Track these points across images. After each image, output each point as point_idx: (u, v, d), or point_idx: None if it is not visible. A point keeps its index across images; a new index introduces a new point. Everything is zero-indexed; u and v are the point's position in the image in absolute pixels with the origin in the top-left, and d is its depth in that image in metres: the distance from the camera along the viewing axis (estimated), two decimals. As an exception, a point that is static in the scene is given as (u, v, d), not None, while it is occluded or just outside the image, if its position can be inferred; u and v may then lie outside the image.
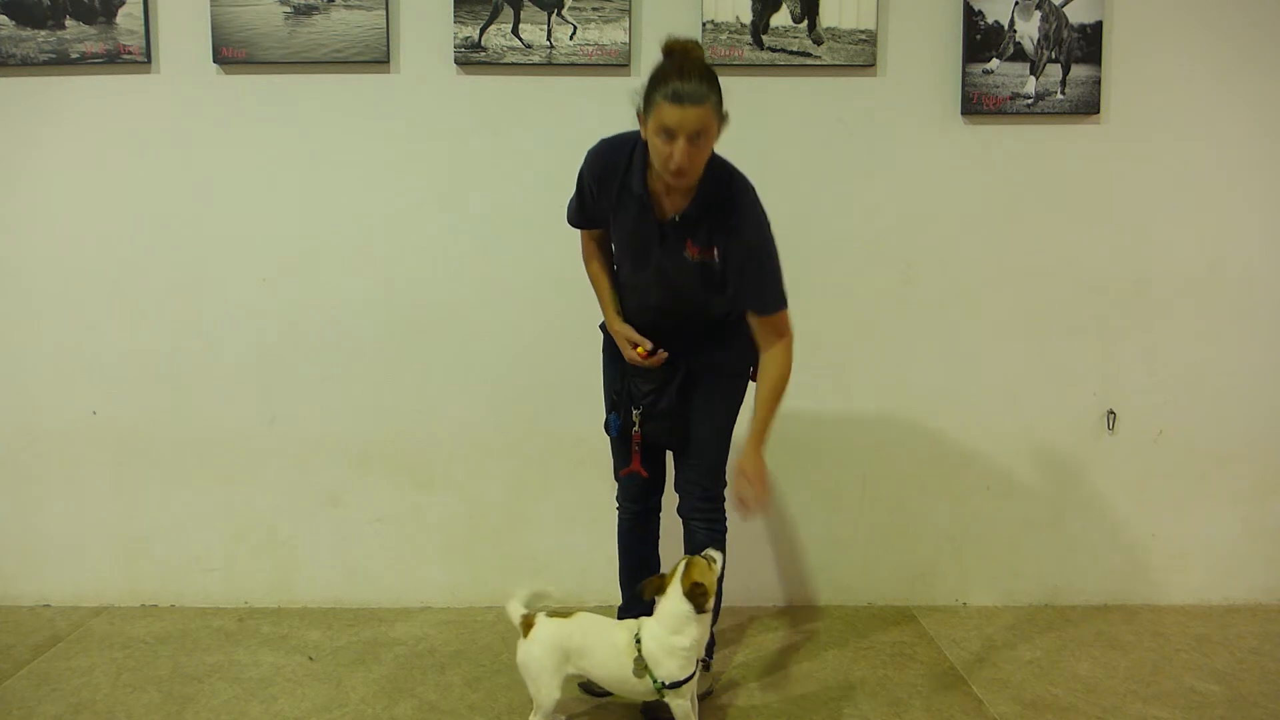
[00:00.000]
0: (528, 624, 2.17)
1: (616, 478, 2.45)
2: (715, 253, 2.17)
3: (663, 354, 2.27)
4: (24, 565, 3.00)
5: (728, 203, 2.15)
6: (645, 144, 2.12)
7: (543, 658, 2.13)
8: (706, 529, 2.31)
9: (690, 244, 2.17)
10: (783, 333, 2.23)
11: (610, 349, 2.38)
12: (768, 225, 2.18)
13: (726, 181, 2.17)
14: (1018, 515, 3.01)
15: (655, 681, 2.10)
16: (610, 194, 2.22)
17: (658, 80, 2.02)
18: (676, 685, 2.10)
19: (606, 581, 2.75)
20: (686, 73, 2.00)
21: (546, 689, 2.12)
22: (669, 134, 2.00)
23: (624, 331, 2.30)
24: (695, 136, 2.00)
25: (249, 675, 2.55)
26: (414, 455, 2.98)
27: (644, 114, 2.06)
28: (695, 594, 2.09)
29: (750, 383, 2.38)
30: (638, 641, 2.12)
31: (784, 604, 3.02)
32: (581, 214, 2.33)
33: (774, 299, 2.20)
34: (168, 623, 2.88)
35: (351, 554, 3.00)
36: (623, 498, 2.47)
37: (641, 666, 2.10)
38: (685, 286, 2.23)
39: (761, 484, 2.21)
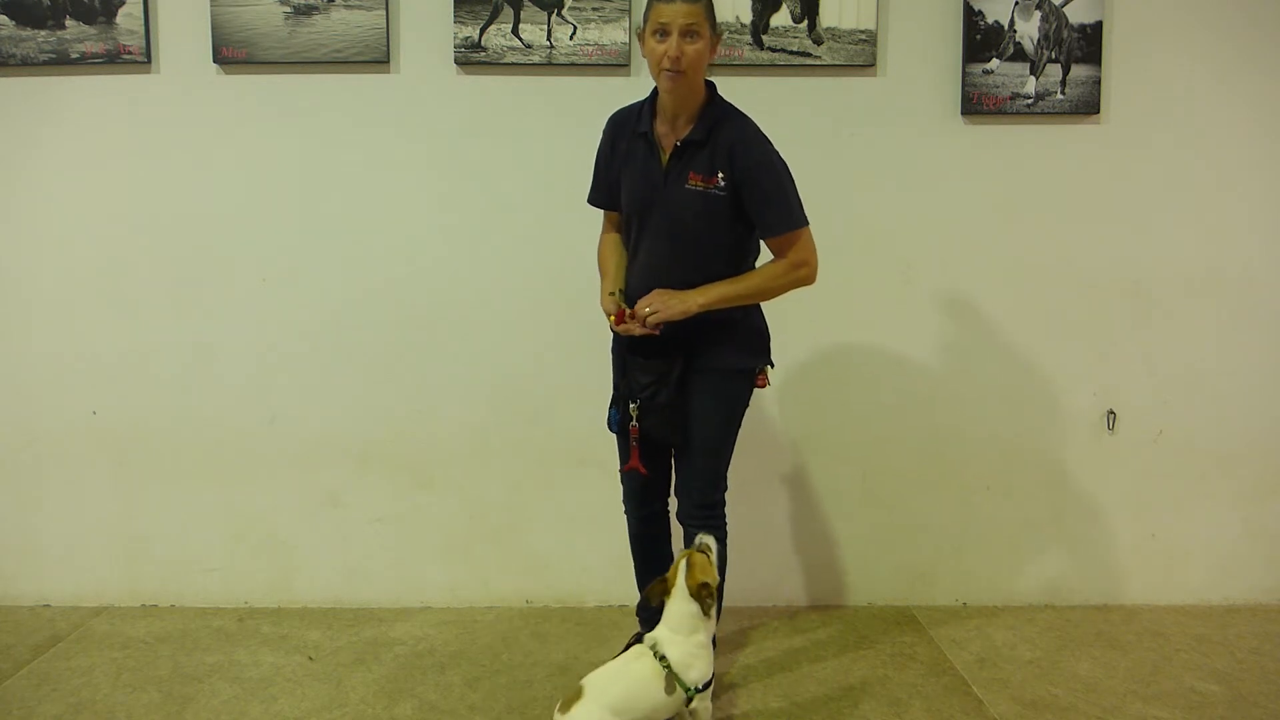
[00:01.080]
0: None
1: (622, 479, 2.45)
2: (720, 178, 2.18)
3: (632, 325, 2.23)
4: (24, 565, 3.00)
5: (729, 128, 2.20)
6: (654, 97, 2.26)
7: None
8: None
9: (693, 174, 2.20)
10: (798, 252, 2.21)
11: (617, 344, 2.38)
12: (773, 148, 2.23)
13: (727, 110, 2.25)
14: (1018, 515, 3.01)
15: (688, 689, 2.05)
16: (621, 147, 2.32)
17: None
18: (708, 685, 2.08)
19: (607, 581, 2.76)
20: None
21: None
22: (663, 32, 2.12)
23: (606, 305, 2.34)
24: (688, 34, 2.11)
25: (249, 675, 2.55)
26: (414, 455, 2.98)
27: (642, 28, 2.18)
28: (702, 595, 2.07)
29: (755, 387, 2.37)
30: (662, 659, 2.05)
31: (784, 604, 3.02)
32: (597, 188, 2.41)
33: (786, 217, 2.20)
34: (168, 623, 2.88)
35: (351, 554, 3.00)
36: (627, 500, 2.46)
37: (673, 682, 2.04)
38: (688, 222, 2.22)
39: (662, 304, 2.17)
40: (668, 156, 2.23)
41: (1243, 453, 3.00)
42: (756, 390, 2.38)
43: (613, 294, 2.32)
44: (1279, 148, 2.92)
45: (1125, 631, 2.83)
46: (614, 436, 2.39)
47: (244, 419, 2.96)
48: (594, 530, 2.92)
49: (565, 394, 2.93)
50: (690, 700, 2.07)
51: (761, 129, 2.25)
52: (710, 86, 2.26)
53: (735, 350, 2.29)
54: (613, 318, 2.26)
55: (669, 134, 2.24)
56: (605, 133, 2.37)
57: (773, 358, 2.39)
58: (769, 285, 2.25)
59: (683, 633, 2.07)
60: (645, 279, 2.27)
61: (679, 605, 2.09)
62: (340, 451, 2.98)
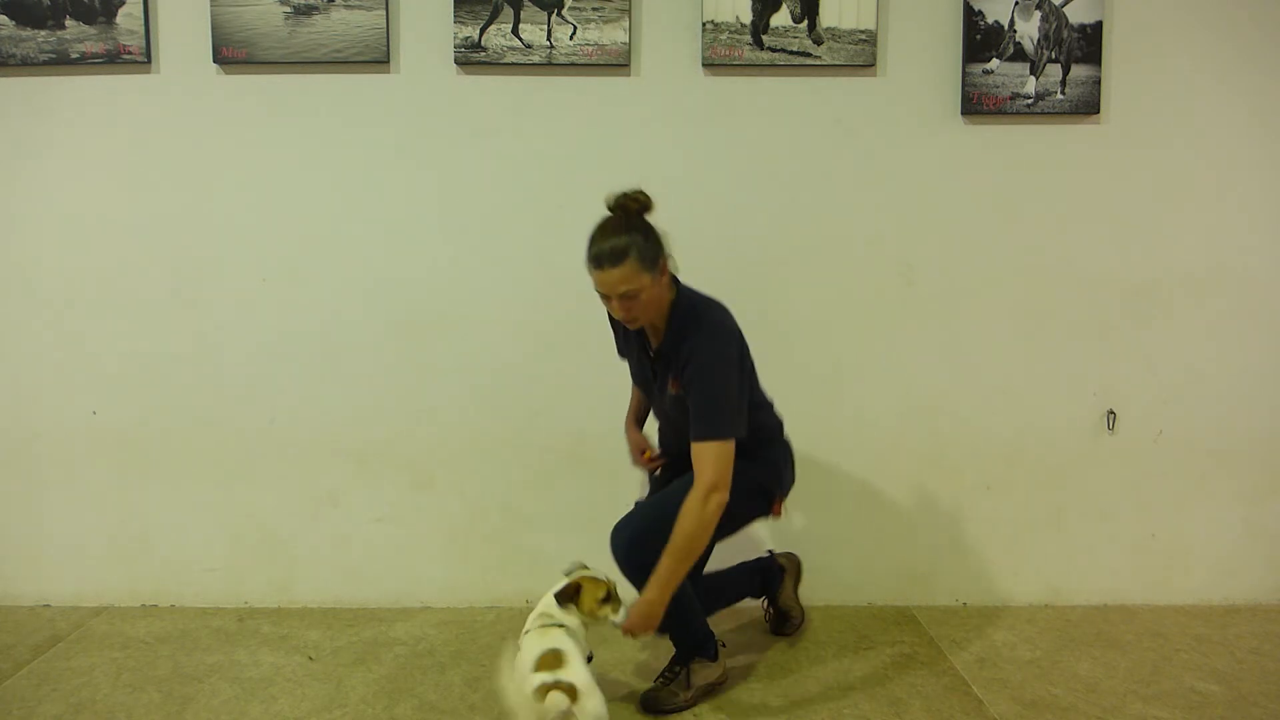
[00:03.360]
0: (571, 691, 2.01)
1: None
2: (681, 383, 2.26)
3: (661, 460, 2.49)
4: (24, 565, 3.00)
5: (689, 337, 2.25)
6: None
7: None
8: None
9: (671, 380, 2.29)
10: (703, 472, 2.18)
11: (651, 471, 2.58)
12: (723, 356, 2.24)
13: (690, 314, 2.28)
14: (1018, 515, 3.01)
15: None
16: (620, 332, 2.47)
17: (590, 239, 2.20)
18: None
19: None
20: (606, 232, 2.18)
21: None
22: (604, 295, 2.21)
23: (632, 439, 2.56)
24: (625, 295, 2.16)
25: (249, 675, 2.55)
26: (414, 455, 2.98)
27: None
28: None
29: (772, 513, 2.46)
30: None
31: (784, 604, 3.02)
32: (618, 346, 2.55)
33: (703, 425, 2.20)
34: (168, 623, 2.88)
35: (351, 554, 3.00)
36: None
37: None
38: (678, 418, 2.31)
39: (640, 627, 2.23)
40: (654, 354, 2.35)
41: (1243, 453, 3.00)
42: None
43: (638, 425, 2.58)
44: (1279, 148, 2.92)
45: (1125, 631, 2.83)
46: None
47: (244, 419, 2.96)
48: (594, 530, 2.90)
49: (565, 394, 2.93)
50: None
51: (724, 324, 2.27)
52: (675, 285, 2.30)
53: (745, 472, 2.28)
54: (647, 455, 2.51)
55: (653, 334, 2.34)
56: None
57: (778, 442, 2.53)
58: (697, 536, 2.20)
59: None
60: (667, 438, 2.50)
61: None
62: (340, 451, 2.98)
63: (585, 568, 2.28)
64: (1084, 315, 2.95)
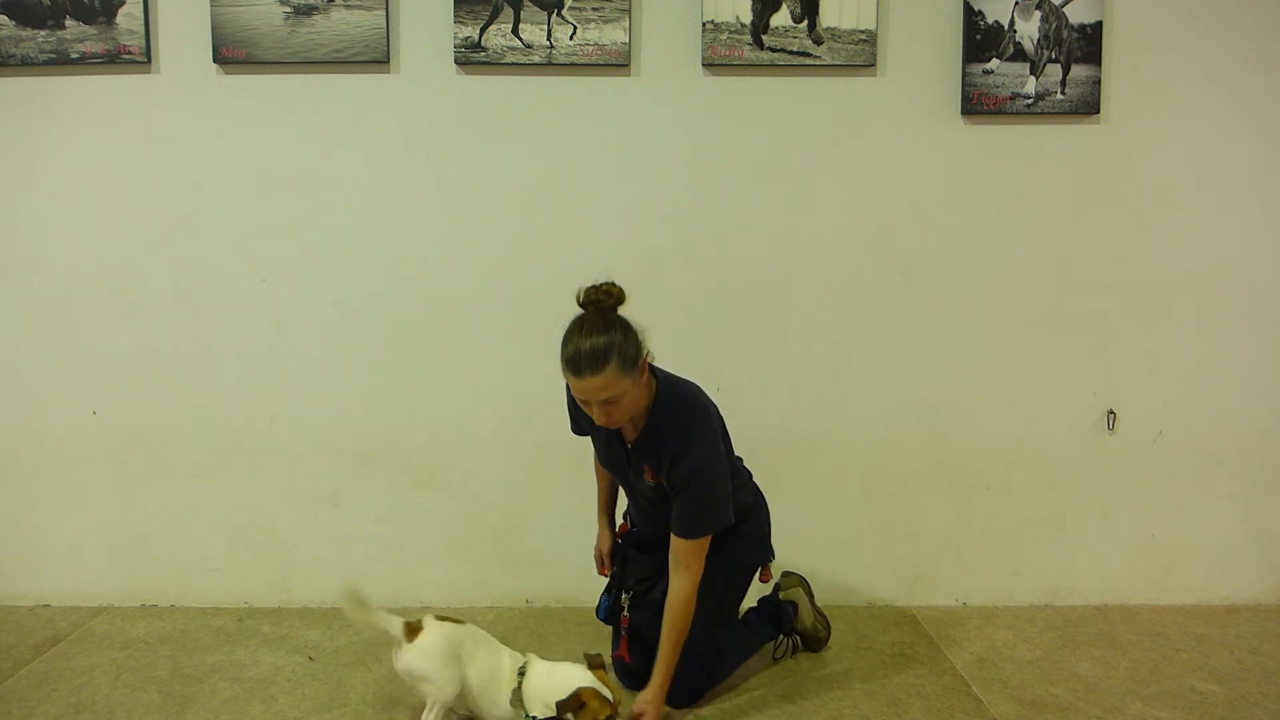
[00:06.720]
0: (412, 630, 2.14)
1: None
2: (665, 479, 2.22)
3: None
4: (24, 565, 3.00)
5: (672, 430, 2.19)
6: None
7: (437, 656, 2.10)
8: None
9: (647, 470, 2.25)
10: (688, 564, 2.20)
11: (625, 537, 2.51)
12: (712, 456, 2.20)
13: (673, 410, 2.21)
14: (1018, 515, 3.01)
15: (526, 715, 2.09)
16: (580, 414, 2.34)
17: (564, 341, 2.08)
18: None
19: (606, 581, 2.74)
20: (583, 331, 2.05)
21: (447, 684, 2.10)
22: (585, 402, 2.10)
23: (601, 543, 2.55)
24: (606, 400, 2.06)
25: (249, 675, 2.55)
26: (414, 455, 2.98)
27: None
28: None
29: (753, 579, 2.48)
30: (521, 673, 2.11)
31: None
32: (577, 422, 2.45)
33: (691, 526, 2.18)
34: (168, 623, 2.88)
35: (351, 554, 3.00)
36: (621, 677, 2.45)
37: (518, 699, 2.09)
38: (656, 504, 2.30)
39: None
40: (630, 445, 2.27)
41: (1243, 453, 3.00)
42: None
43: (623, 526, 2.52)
44: (1278, 148, 2.92)
45: (1125, 631, 2.83)
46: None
47: (244, 419, 2.96)
48: (594, 530, 2.91)
49: (565, 393, 2.92)
50: None
51: (705, 411, 2.23)
52: (653, 375, 2.22)
53: (731, 552, 2.33)
54: (605, 572, 2.53)
55: (630, 426, 2.25)
56: (569, 389, 2.22)
57: (762, 495, 2.50)
58: (685, 623, 2.22)
59: (552, 683, 2.10)
60: (642, 524, 2.42)
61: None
62: (340, 451, 2.98)
63: (601, 666, 2.14)
64: (1084, 315, 2.95)
